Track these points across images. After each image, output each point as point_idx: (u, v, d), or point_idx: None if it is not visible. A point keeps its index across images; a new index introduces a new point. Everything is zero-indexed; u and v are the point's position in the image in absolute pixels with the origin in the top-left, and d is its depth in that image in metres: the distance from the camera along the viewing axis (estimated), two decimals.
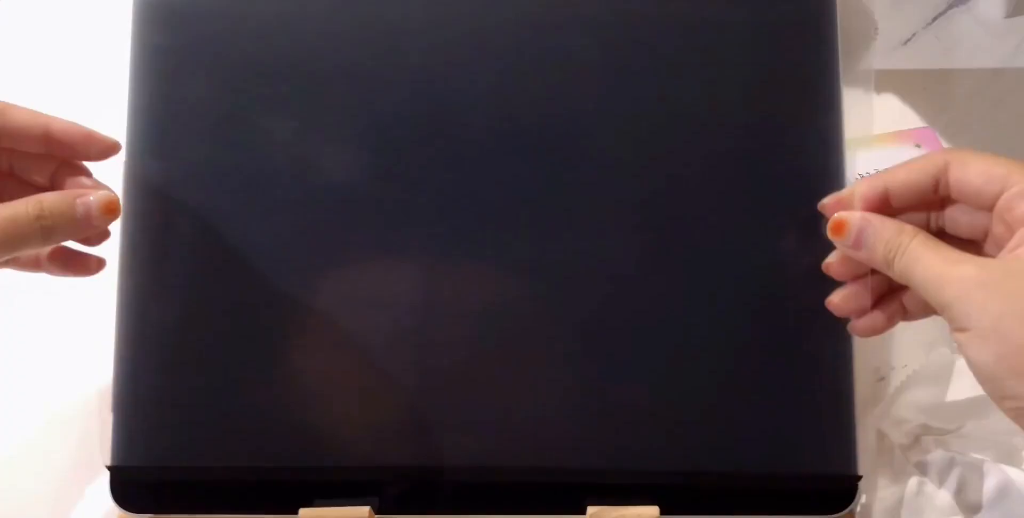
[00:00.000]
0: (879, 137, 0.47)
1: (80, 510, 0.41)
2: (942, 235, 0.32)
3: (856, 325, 0.34)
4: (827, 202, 0.34)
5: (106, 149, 0.34)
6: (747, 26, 0.37)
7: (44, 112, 0.33)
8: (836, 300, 0.34)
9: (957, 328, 0.28)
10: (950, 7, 0.50)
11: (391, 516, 0.36)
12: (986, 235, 0.31)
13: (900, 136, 0.47)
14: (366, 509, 0.35)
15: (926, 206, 0.32)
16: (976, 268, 0.28)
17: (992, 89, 0.48)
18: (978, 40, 0.49)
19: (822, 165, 0.36)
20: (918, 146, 0.47)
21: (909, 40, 0.49)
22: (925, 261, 0.29)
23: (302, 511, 0.36)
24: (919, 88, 0.48)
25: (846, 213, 0.32)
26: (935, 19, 0.50)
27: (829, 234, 0.33)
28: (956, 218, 0.32)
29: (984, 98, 0.48)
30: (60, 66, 0.49)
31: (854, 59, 0.48)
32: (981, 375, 0.28)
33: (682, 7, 0.37)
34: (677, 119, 0.37)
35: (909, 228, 0.31)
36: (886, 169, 0.32)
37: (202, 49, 0.37)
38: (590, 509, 0.35)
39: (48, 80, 0.49)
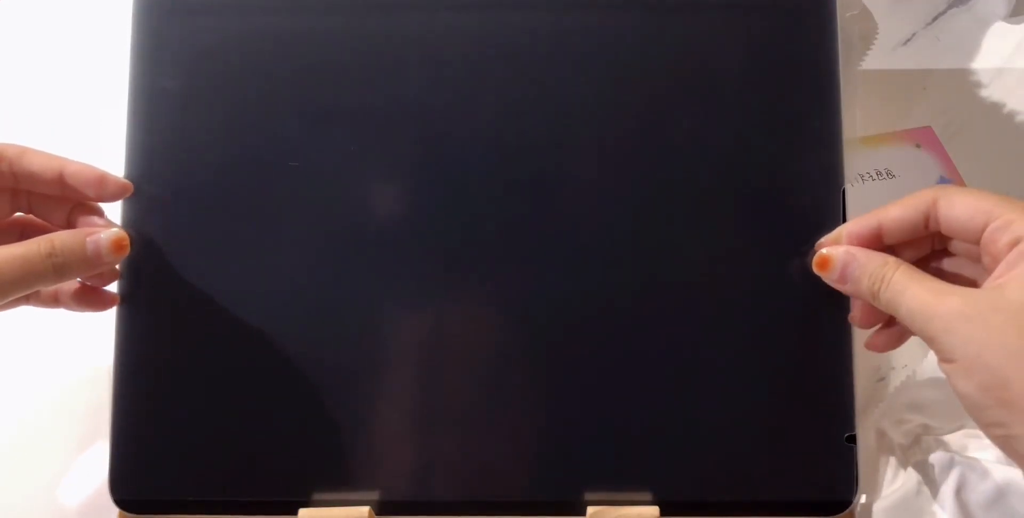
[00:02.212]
0: (879, 137, 0.47)
1: (80, 510, 0.41)
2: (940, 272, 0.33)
3: (871, 343, 0.35)
4: (822, 242, 0.35)
5: (118, 191, 0.35)
6: (746, 26, 0.37)
7: (59, 155, 0.34)
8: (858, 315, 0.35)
9: (943, 359, 0.29)
10: (950, 7, 0.50)
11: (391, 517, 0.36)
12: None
13: (900, 136, 0.47)
14: (366, 509, 0.35)
15: (918, 243, 0.33)
16: (960, 300, 0.29)
17: (992, 89, 0.48)
18: (978, 40, 0.49)
19: (821, 167, 0.36)
20: (918, 146, 0.47)
21: (909, 40, 0.49)
22: (910, 293, 0.30)
23: (302, 511, 0.36)
24: (919, 88, 0.48)
25: (830, 248, 0.34)
26: (935, 19, 0.50)
27: (815, 270, 0.34)
28: (955, 251, 0.33)
29: (984, 98, 0.48)
30: (60, 66, 0.49)
31: (854, 59, 0.48)
32: (967, 404, 0.29)
33: (680, 9, 0.37)
34: (676, 120, 0.37)
35: (892, 260, 0.32)
36: (879, 207, 0.33)
37: (201, 59, 0.37)
38: (590, 509, 0.36)
39: (48, 80, 0.49)
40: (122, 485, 0.36)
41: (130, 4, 0.38)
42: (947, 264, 0.34)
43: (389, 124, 0.37)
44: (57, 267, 0.32)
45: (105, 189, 0.35)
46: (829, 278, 0.34)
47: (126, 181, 0.36)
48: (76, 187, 0.34)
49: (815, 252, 0.35)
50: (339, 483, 0.36)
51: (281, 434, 0.36)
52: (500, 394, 0.36)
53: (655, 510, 0.35)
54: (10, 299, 0.32)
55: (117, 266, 0.36)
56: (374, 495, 0.36)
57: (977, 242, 0.30)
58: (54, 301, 0.36)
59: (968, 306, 0.28)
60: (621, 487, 0.36)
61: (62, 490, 0.41)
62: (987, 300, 0.28)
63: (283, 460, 0.36)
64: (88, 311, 0.36)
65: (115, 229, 0.35)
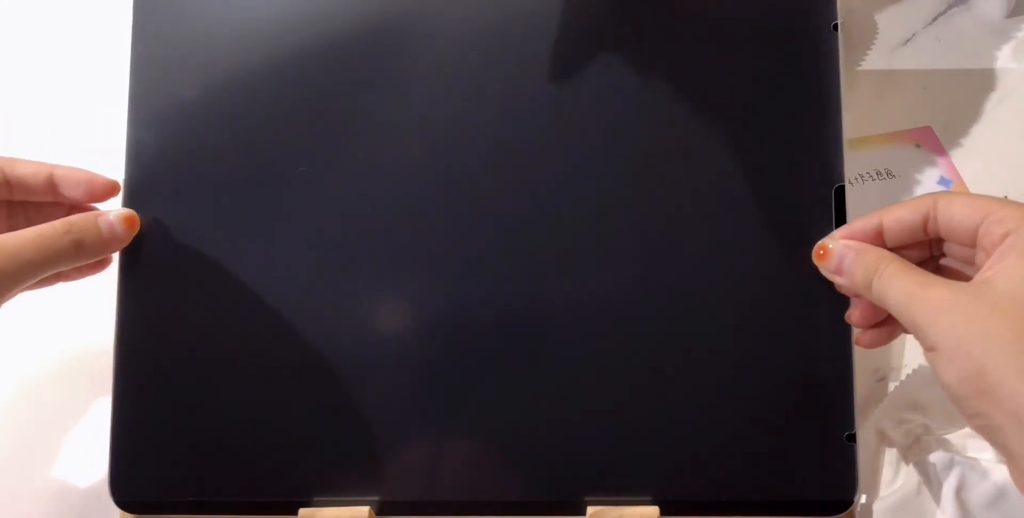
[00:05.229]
0: (879, 137, 0.47)
1: (80, 510, 0.41)
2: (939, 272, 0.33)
3: (861, 338, 0.35)
4: (825, 239, 0.35)
5: (106, 190, 0.36)
6: (746, 26, 0.37)
7: (47, 162, 0.35)
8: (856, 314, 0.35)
9: (927, 347, 0.29)
10: (950, 7, 0.50)
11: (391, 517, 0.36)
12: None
13: (900, 136, 0.47)
14: (366, 509, 0.35)
15: (917, 247, 0.34)
16: (945, 290, 0.29)
17: (992, 89, 0.48)
18: (978, 40, 0.49)
19: (821, 167, 0.36)
20: (918, 146, 0.47)
21: (909, 40, 0.49)
22: (898, 283, 0.31)
23: (302, 511, 0.36)
24: (919, 88, 0.48)
25: (829, 240, 0.34)
26: (935, 19, 0.50)
27: (815, 261, 0.35)
28: (951, 255, 0.33)
29: (984, 98, 0.48)
30: (60, 66, 0.49)
31: (854, 59, 0.48)
32: (950, 395, 0.29)
33: (680, 9, 0.37)
34: (676, 119, 0.37)
35: (887, 254, 0.32)
36: (881, 207, 0.34)
37: (201, 59, 0.37)
38: (590, 509, 0.36)
39: (48, 80, 0.49)
40: (122, 485, 0.36)
41: (130, 4, 0.38)
42: (943, 268, 0.34)
43: (391, 123, 0.37)
44: (76, 243, 0.33)
45: (94, 189, 0.36)
46: (826, 269, 0.34)
47: (114, 180, 0.36)
48: (66, 189, 0.35)
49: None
50: (339, 483, 0.36)
51: (281, 434, 0.36)
52: (500, 394, 0.36)
53: (655, 510, 0.35)
54: (33, 281, 0.33)
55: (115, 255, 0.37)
56: (374, 495, 0.36)
57: (973, 244, 0.31)
58: (55, 275, 0.36)
59: (952, 296, 0.29)
60: (621, 487, 0.36)
61: (63, 491, 0.41)
62: (971, 290, 0.29)
63: (283, 460, 0.36)
64: (87, 276, 0.37)
65: (123, 208, 0.36)
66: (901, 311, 0.30)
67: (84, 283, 0.37)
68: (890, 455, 0.41)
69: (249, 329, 0.36)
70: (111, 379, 0.36)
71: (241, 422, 0.36)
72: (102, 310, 0.37)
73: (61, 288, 0.37)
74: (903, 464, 0.40)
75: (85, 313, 0.43)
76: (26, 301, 0.36)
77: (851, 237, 0.34)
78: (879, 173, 0.46)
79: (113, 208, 0.36)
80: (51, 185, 0.35)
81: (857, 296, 0.35)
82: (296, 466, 0.36)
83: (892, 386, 0.42)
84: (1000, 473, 0.38)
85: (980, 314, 0.28)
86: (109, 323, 0.37)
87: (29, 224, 0.36)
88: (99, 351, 0.38)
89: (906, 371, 0.42)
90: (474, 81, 0.37)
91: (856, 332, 0.36)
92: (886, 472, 0.40)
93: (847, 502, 0.36)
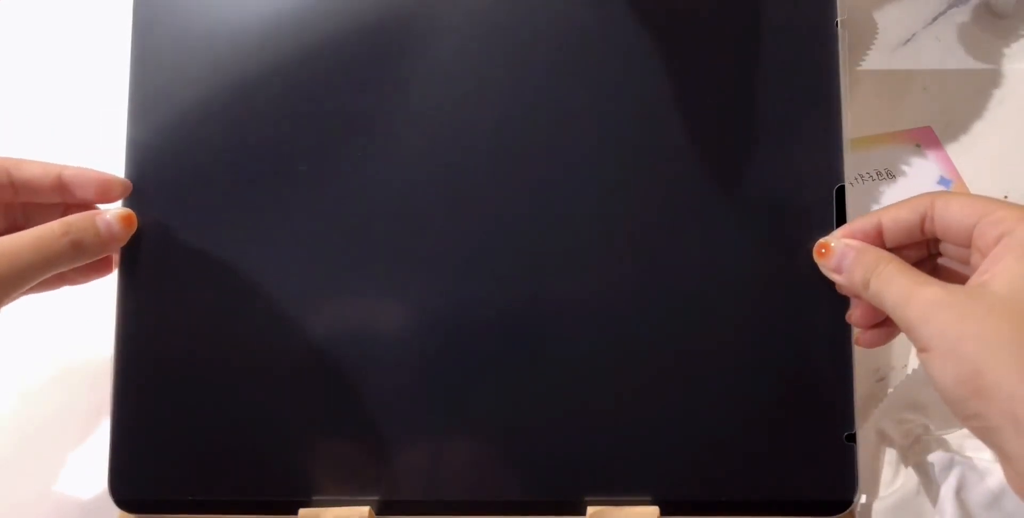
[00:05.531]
0: (879, 137, 0.47)
1: (80, 510, 0.41)
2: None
3: (861, 338, 0.36)
4: (826, 239, 0.35)
5: (121, 190, 0.36)
6: (746, 26, 0.37)
7: (54, 162, 0.35)
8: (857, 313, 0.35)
9: (920, 348, 0.29)
10: (950, 7, 0.50)
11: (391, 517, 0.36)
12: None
13: (900, 136, 0.47)
14: (366, 509, 0.35)
15: (915, 247, 0.34)
16: (941, 290, 0.29)
17: (992, 89, 0.48)
18: (978, 40, 0.49)
19: (821, 167, 0.36)
20: (918, 146, 0.47)
21: (909, 40, 0.49)
22: (895, 283, 0.31)
23: (302, 511, 0.36)
24: (919, 88, 0.48)
25: (831, 239, 0.34)
26: (935, 19, 0.50)
27: (815, 258, 0.35)
28: (947, 255, 0.33)
29: (984, 98, 0.48)
30: (60, 66, 0.49)
31: (854, 59, 0.48)
32: (945, 397, 0.29)
33: (680, 7, 0.37)
34: (676, 119, 0.37)
35: (886, 254, 0.32)
36: (880, 208, 0.34)
37: (202, 59, 0.37)
38: (590, 509, 0.36)
39: (48, 80, 0.49)
40: (122, 485, 0.36)
41: (130, 4, 0.38)
42: (940, 268, 0.34)
43: (392, 122, 0.37)
44: (74, 244, 0.33)
45: (107, 189, 0.35)
46: (825, 266, 0.34)
47: (126, 180, 0.36)
48: (76, 189, 0.35)
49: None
50: (339, 483, 0.36)
51: (281, 434, 0.36)
52: (500, 394, 0.36)
53: (655, 510, 0.35)
54: (33, 283, 0.32)
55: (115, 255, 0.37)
56: (374, 495, 0.36)
57: (968, 244, 0.31)
58: (59, 279, 0.36)
59: (948, 296, 0.29)
60: (621, 487, 0.36)
61: (62, 490, 0.41)
62: (968, 292, 0.29)
63: (283, 460, 0.36)
64: (92, 279, 0.37)
65: (120, 207, 0.36)
66: (897, 312, 0.30)
67: (83, 288, 0.37)
68: (890, 455, 0.41)
69: (249, 329, 0.36)
70: (111, 384, 0.36)
71: (241, 422, 0.36)
72: (102, 315, 0.37)
73: (60, 293, 0.37)
74: (903, 464, 0.40)
75: (84, 318, 0.43)
76: (26, 305, 0.36)
77: (851, 236, 0.34)
78: (879, 173, 0.46)
79: (110, 208, 0.36)
80: (59, 186, 0.34)
81: (856, 296, 0.35)
82: (296, 466, 0.36)
83: (892, 386, 0.42)
84: (1000, 473, 0.38)
85: (977, 315, 0.27)
86: (108, 328, 0.37)
87: (26, 223, 0.36)
88: (99, 356, 0.38)
89: (906, 371, 0.42)
90: (474, 81, 0.37)
91: (856, 332, 0.36)
92: (886, 472, 0.40)
93: (847, 502, 0.36)
